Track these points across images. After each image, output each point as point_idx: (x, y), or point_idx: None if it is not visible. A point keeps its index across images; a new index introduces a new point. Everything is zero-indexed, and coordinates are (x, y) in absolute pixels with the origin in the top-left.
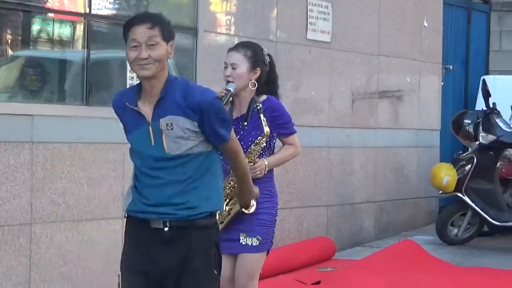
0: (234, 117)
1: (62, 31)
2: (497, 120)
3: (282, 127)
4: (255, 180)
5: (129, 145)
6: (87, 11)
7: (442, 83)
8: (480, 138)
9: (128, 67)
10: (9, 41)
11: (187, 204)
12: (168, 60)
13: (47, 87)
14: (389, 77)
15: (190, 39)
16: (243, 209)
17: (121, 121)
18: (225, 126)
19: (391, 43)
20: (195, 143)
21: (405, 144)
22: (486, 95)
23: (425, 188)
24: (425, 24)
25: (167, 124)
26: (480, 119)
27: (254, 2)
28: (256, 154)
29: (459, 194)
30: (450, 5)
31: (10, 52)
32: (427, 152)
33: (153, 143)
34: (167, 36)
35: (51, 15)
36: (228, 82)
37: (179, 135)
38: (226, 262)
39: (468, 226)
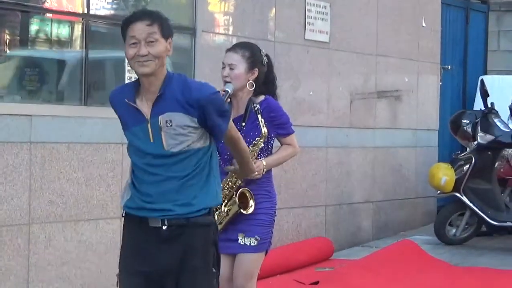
0: (231, 118)
1: (60, 31)
2: (495, 120)
3: (280, 127)
4: (254, 181)
5: (127, 145)
6: (85, 11)
7: (440, 83)
8: (478, 138)
9: (127, 67)
10: (7, 41)
11: (186, 200)
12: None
13: (46, 87)
14: (387, 77)
15: (188, 39)
16: (241, 210)
17: (118, 116)
18: (224, 117)
19: (389, 43)
20: (194, 139)
21: (403, 144)
22: (484, 95)
23: (423, 188)
24: (423, 24)
25: (166, 121)
26: (478, 119)
27: (252, 2)
28: (254, 155)
29: (457, 194)
30: (448, 5)
31: (8, 52)
32: (425, 152)
33: (152, 140)
34: (166, 33)
35: (49, 15)
36: (225, 82)
37: (179, 131)
38: (224, 262)
39: (466, 226)
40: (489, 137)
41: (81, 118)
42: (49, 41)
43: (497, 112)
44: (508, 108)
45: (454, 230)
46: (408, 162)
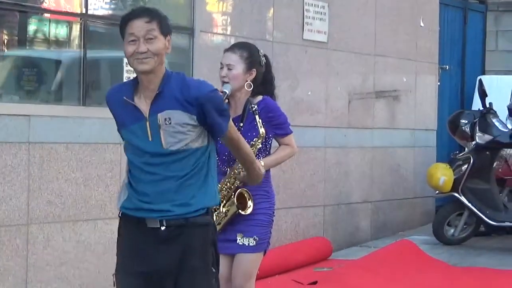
0: None
1: (59, 31)
2: (494, 120)
3: (278, 127)
4: None
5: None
6: (84, 11)
7: (439, 83)
8: (477, 138)
9: (125, 67)
10: (5, 42)
11: (184, 200)
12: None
13: (44, 88)
14: (386, 77)
15: (186, 39)
16: (240, 211)
17: (114, 115)
18: (224, 116)
19: (388, 43)
20: (192, 137)
21: (401, 144)
22: (483, 95)
23: (422, 188)
24: (422, 24)
25: (165, 119)
26: (477, 119)
27: (250, 2)
28: None
29: (456, 194)
30: (446, 5)
31: (6, 52)
32: (424, 152)
33: (150, 138)
34: (165, 30)
35: (47, 15)
36: (223, 82)
37: (178, 129)
38: (223, 262)
39: (464, 226)
40: (488, 137)
41: (79, 118)
42: (47, 41)
43: (496, 112)
44: (507, 108)
45: (452, 230)
46: (407, 162)
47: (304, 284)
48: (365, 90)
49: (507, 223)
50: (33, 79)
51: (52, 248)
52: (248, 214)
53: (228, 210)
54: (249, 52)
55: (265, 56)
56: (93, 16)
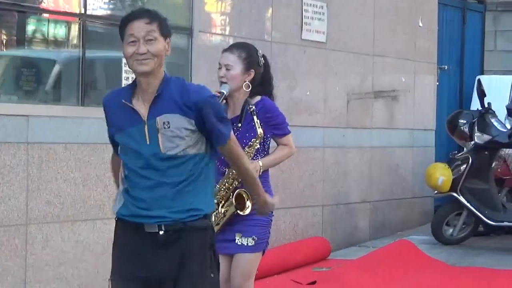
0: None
1: (57, 31)
2: (492, 120)
3: (276, 128)
4: None
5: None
6: (82, 11)
7: (437, 83)
8: (475, 138)
9: (124, 67)
10: (4, 42)
11: (181, 207)
12: None
13: (43, 88)
14: (384, 77)
15: (185, 39)
16: (238, 211)
17: (110, 119)
18: (225, 124)
19: (386, 43)
20: (190, 143)
21: (400, 144)
22: (481, 95)
23: (421, 188)
24: (420, 24)
25: (163, 123)
26: (475, 119)
27: (249, 3)
28: (250, 156)
29: (454, 194)
30: (445, 5)
31: (5, 52)
32: (422, 152)
33: (148, 142)
34: (165, 32)
35: (46, 15)
36: (221, 83)
37: (176, 134)
38: (222, 262)
39: (463, 226)
40: (486, 137)
41: (78, 118)
42: (46, 41)
43: (494, 112)
44: (505, 108)
45: (451, 230)
46: (405, 162)
47: (303, 284)
48: (363, 90)
49: (506, 223)
50: (31, 79)
51: (51, 248)
52: (247, 214)
53: (226, 211)
54: (247, 53)
55: (263, 56)
56: (91, 16)
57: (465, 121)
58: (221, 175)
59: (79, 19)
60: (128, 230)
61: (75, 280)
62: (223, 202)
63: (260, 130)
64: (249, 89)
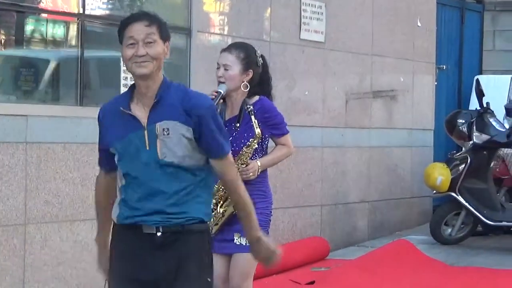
0: (226, 118)
1: (56, 31)
2: (491, 120)
3: (274, 127)
4: (249, 181)
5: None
6: (81, 11)
7: (436, 83)
8: (474, 137)
9: (122, 67)
10: (2, 42)
11: (179, 215)
12: None
13: (41, 88)
14: (383, 77)
15: (183, 39)
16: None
17: (105, 131)
18: (225, 137)
19: (385, 43)
20: (188, 151)
21: (398, 143)
22: (480, 94)
23: (419, 187)
24: (419, 24)
25: (163, 129)
26: (474, 119)
27: (247, 3)
28: (248, 156)
29: (453, 194)
30: (443, 5)
31: (3, 52)
32: (421, 151)
33: (148, 148)
34: (164, 35)
35: (44, 15)
36: (219, 83)
37: (175, 141)
38: (220, 262)
39: (462, 226)
40: (485, 137)
41: (76, 118)
42: (44, 41)
43: (493, 111)
44: (504, 108)
45: (449, 230)
46: (404, 161)
47: (301, 284)
48: (362, 90)
49: (505, 223)
50: (30, 79)
51: (50, 248)
52: None
53: (225, 211)
54: (246, 53)
55: (262, 56)
56: (90, 16)
57: (463, 121)
58: None
59: (78, 19)
60: (125, 231)
61: (74, 280)
62: (221, 202)
63: (258, 130)
64: (247, 89)
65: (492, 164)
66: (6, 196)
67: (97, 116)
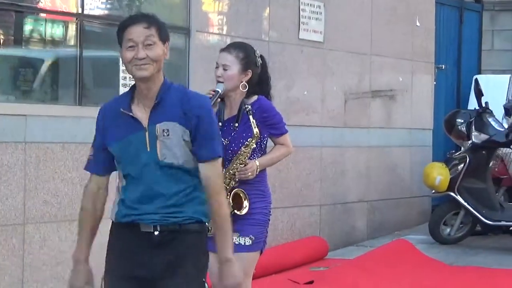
0: (225, 118)
1: (55, 31)
2: (490, 120)
3: (273, 127)
4: (248, 181)
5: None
6: (80, 11)
7: (435, 83)
8: (473, 137)
9: (121, 67)
10: (1, 41)
11: (177, 214)
12: None
13: (40, 87)
14: (382, 77)
15: (182, 39)
16: (235, 211)
17: (103, 131)
18: (219, 141)
19: (384, 43)
20: (187, 153)
21: (397, 143)
22: (479, 94)
23: (418, 187)
24: (418, 24)
25: (163, 130)
26: (473, 119)
27: (246, 2)
28: (247, 156)
29: (452, 194)
30: (442, 5)
31: (2, 52)
32: (420, 151)
33: (148, 149)
34: (164, 36)
35: (43, 15)
36: (218, 82)
37: (174, 142)
38: None
39: (461, 226)
40: (484, 137)
41: (75, 118)
42: (43, 41)
43: (492, 111)
44: (502, 107)
45: (448, 230)
46: (403, 161)
47: (300, 284)
48: (361, 89)
49: (503, 222)
50: (29, 79)
51: (48, 247)
52: (244, 214)
53: None
54: (245, 53)
55: (261, 56)
56: (89, 16)
57: (462, 121)
58: None
59: (77, 19)
60: (123, 229)
61: None
62: None
63: (256, 130)
64: (246, 89)
65: (491, 164)
66: (5, 195)
67: (96, 116)
